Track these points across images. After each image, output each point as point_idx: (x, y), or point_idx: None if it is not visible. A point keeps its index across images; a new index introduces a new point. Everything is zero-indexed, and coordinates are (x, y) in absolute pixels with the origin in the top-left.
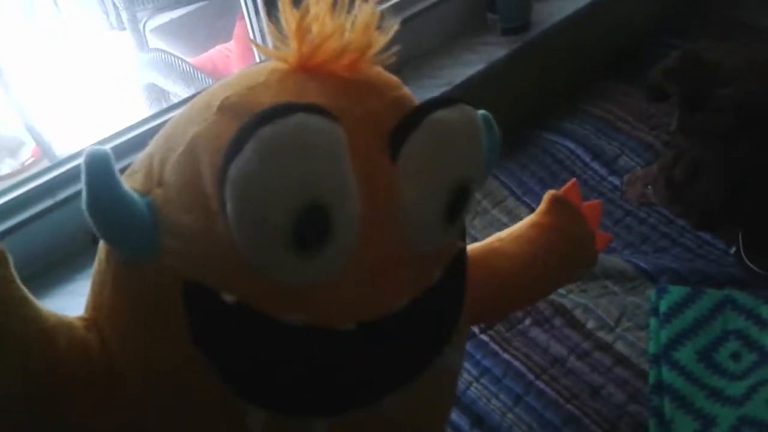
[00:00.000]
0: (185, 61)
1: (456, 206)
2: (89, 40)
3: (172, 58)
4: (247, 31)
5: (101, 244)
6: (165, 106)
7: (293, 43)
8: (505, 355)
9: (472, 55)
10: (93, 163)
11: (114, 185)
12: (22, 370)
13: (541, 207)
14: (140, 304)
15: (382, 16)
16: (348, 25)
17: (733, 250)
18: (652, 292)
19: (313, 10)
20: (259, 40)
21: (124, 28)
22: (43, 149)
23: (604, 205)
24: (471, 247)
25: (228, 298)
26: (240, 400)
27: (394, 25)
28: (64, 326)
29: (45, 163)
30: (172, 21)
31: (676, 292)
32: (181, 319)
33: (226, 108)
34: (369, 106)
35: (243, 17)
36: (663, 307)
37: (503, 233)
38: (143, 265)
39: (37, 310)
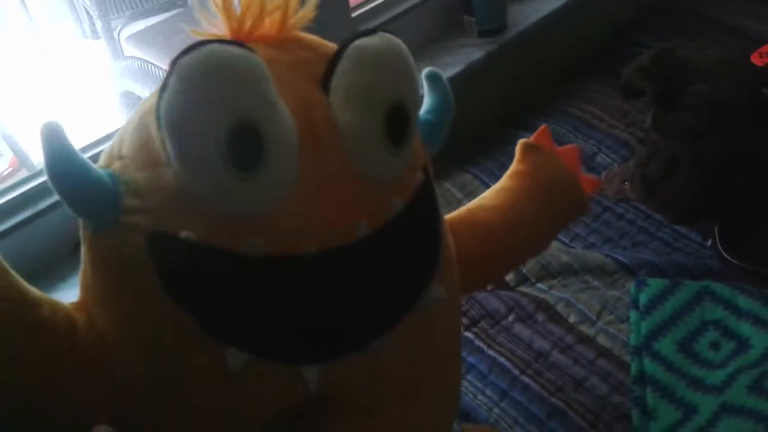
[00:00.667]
0: (161, 68)
1: (396, 128)
2: (63, 48)
3: (148, 65)
4: None
5: (80, 226)
6: None
7: (222, 18)
8: (490, 352)
9: (449, 57)
10: (48, 132)
11: (69, 150)
12: (5, 337)
13: (516, 156)
14: (113, 269)
15: None
16: None
17: (709, 242)
18: (631, 286)
19: None
20: None
21: (99, 37)
22: (21, 159)
23: None
24: (454, 211)
25: (185, 234)
26: (218, 343)
27: None
28: (48, 299)
29: (23, 173)
30: (147, 29)
31: (655, 284)
32: (151, 271)
33: None
34: (299, 55)
35: None
36: (643, 299)
37: (485, 192)
38: (111, 230)
39: (17, 280)
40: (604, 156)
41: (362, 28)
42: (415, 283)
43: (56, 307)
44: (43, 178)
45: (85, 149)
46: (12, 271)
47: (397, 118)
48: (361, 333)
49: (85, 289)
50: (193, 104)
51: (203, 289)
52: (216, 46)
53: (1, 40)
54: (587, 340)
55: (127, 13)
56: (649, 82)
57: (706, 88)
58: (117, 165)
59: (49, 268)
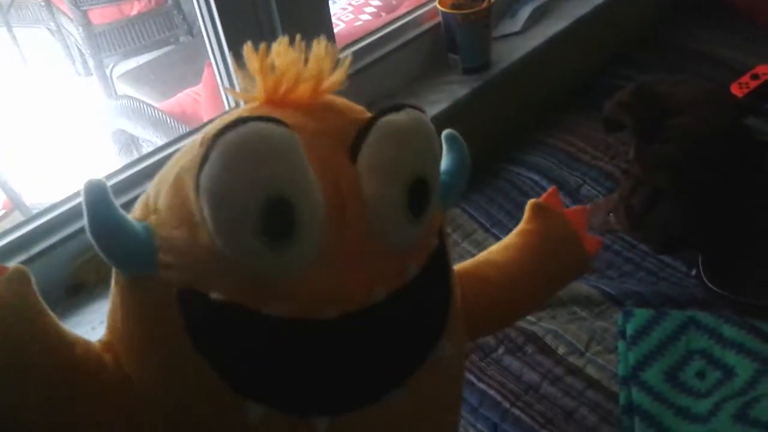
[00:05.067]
0: (154, 107)
1: (418, 199)
2: (55, 87)
3: (141, 104)
4: (215, 75)
5: (113, 271)
6: (134, 150)
7: (258, 80)
8: (481, 385)
9: (436, 94)
10: (91, 190)
11: (110, 207)
12: (43, 374)
13: (525, 216)
14: (143, 318)
15: (334, 50)
16: (304, 59)
17: (693, 272)
18: (618, 316)
19: (273, 50)
20: (227, 84)
21: (91, 74)
22: (13, 200)
23: None
24: (463, 263)
25: (215, 296)
26: (238, 396)
27: (347, 58)
28: (81, 339)
29: (16, 214)
30: (139, 67)
31: (642, 314)
32: (179, 324)
33: (204, 141)
34: (328, 122)
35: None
36: (629, 329)
37: (493, 246)
38: (144, 282)
39: (56, 323)
40: (589, 188)
41: (390, 102)
42: (426, 341)
43: (88, 346)
44: (38, 223)
45: (77, 195)
46: (50, 312)
47: (419, 191)
48: (373, 388)
49: (113, 331)
50: (234, 180)
51: (227, 345)
52: (256, 124)
53: None
54: (576, 372)
55: (120, 50)
56: (630, 115)
57: (686, 120)
58: (153, 219)
59: None
